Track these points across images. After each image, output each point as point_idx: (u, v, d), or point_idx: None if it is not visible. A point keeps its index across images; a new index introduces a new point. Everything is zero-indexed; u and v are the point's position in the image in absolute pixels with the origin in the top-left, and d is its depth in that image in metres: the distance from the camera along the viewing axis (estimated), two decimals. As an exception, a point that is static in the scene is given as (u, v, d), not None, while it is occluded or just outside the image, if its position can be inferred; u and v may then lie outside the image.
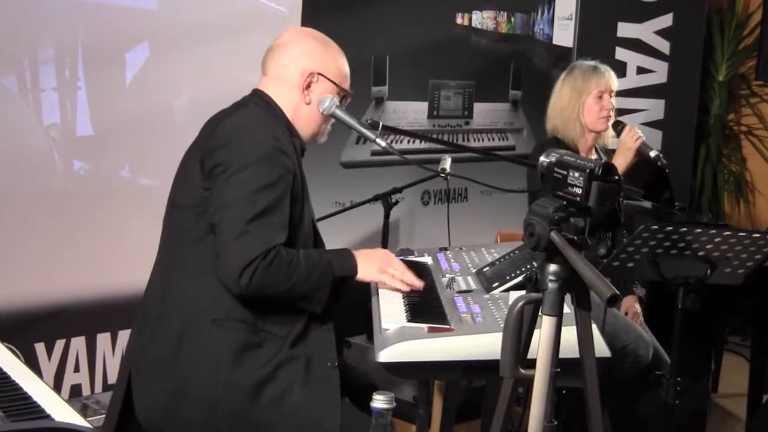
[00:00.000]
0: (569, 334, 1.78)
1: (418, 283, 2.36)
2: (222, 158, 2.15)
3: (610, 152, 3.59)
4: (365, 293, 2.44)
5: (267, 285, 2.10)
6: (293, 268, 2.13)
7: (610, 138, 3.57)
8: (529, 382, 1.74)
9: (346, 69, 2.38)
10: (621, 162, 3.43)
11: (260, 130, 2.19)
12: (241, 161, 2.13)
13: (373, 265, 2.32)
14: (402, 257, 2.66)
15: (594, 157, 3.55)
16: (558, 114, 3.50)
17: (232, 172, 2.13)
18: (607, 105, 3.47)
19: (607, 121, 3.48)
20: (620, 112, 5.03)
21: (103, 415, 2.39)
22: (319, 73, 2.32)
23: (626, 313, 3.51)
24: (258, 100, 2.32)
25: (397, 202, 3.87)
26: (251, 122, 2.22)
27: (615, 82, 3.51)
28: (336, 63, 2.36)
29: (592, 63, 3.54)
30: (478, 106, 5.02)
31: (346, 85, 2.38)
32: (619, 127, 3.49)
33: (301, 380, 2.18)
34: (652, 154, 3.45)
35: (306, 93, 2.32)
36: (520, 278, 2.35)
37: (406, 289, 2.34)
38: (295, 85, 2.31)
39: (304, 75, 2.30)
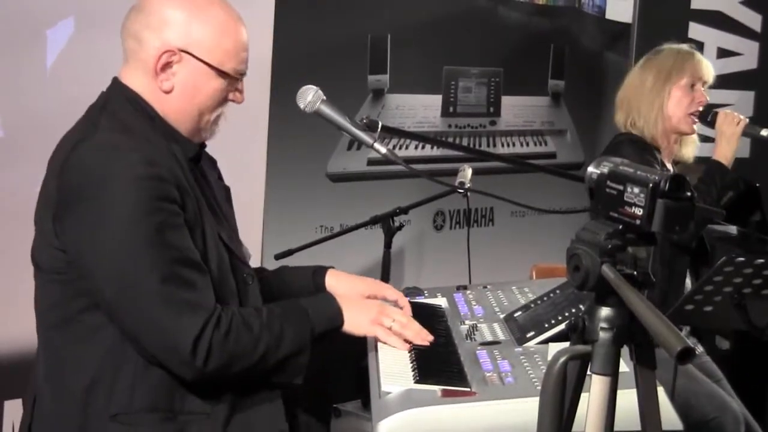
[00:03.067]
0: (627, 400, 1.78)
1: (423, 340, 2.38)
2: (84, 217, 2.12)
3: (689, 167, 3.63)
4: (359, 346, 2.44)
5: (230, 361, 2.13)
6: (258, 332, 2.16)
7: (693, 147, 3.62)
8: (574, 462, 1.75)
9: (235, 41, 2.27)
10: (725, 153, 3.50)
11: (122, 157, 2.12)
12: (113, 216, 2.09)
13: (364, 315, 2.34)
14: (408, 299, 2.68)
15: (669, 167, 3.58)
16: (633, 101, 3.55)
17: (107, 235, 2.09)
18: (700, 98, 3.56)
19: (695, 123, 3.55)
20: (695, 107, 5.08)
21: None
22: (181, 50, 2.22)
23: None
24: (115, 100, 2.26)
25: (401, 227, 3.88)
26: (105, 151, 2.14)
27: (712, 73, 3.60)
28: (212, 34, 2.24)
29: (685, 46, 3.62)
30: (507, 101, 5.05)
31: (231, 65, 2.27)
32: (710, 116, 3.55)
33: None
34: (765, 132, 3.52)
35: (163, 77, 2.23)
36: (562, 326, 2.35)
37: (405, 348, 2.35)
38: (148, 66, 2.23)
39: (159, 51, 2.21)
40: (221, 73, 2.26)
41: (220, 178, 2.40)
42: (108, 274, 2.11)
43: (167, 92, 2.24)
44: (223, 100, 2.31)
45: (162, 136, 2.23)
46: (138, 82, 2.26)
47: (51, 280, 2.21)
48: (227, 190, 2.42)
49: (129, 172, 2.10)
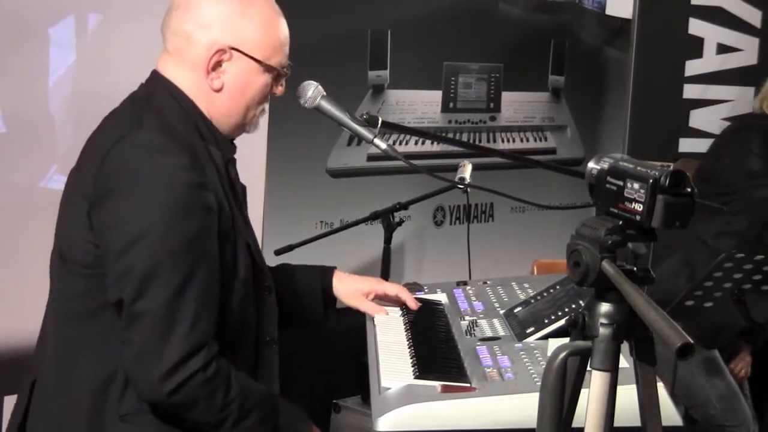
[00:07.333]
0: (627, 396, 1.78)
1: None
2: (117, 213, 2.08)
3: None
4: (359, 343, 2.44)
5: (193, 405, 2.07)
6: (232, 398, 2.11)
7: None
8: (574, 458, 1.75)
9: (280, 35, 2.28)
10: None
11: (164, 160, 2.08)
12: (146, 217, 2.05)
13: None
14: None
15: None
16: None
17: (135, 233, 2.05)
18: None
19: None
20: (695, 102, 5.09)
21: None
22: (232, 47, 2.20)
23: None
24: (160, 97, 2.22)
25: (401, 222, 3.88)
26: (148, 151, 2.10)
27: None
28: (259, 29, 2.23)
29: None
30: (507, 96, 5.05)
31: (277, 59, 2.27)
32: None
33: None
34: None
35: (214, 75, 2.22)
36: (562, 322, 2.36)
37: None
38: (198, 65, 2.21)
39: (210, 51, 2.20)
40: (269, 68, 2.26)
41: (237, 176, 2.39)
42: (124, 265, 2.06)
43: (217, 90, 2.23)
44: (268, 94, 2.31)
45: (203, 138, 2.21)
46: (184, 79, 2.23)
47: (75, 272, 2.17)
48: (244, 189, 2.40)
49: (169, 176, 2.07)
